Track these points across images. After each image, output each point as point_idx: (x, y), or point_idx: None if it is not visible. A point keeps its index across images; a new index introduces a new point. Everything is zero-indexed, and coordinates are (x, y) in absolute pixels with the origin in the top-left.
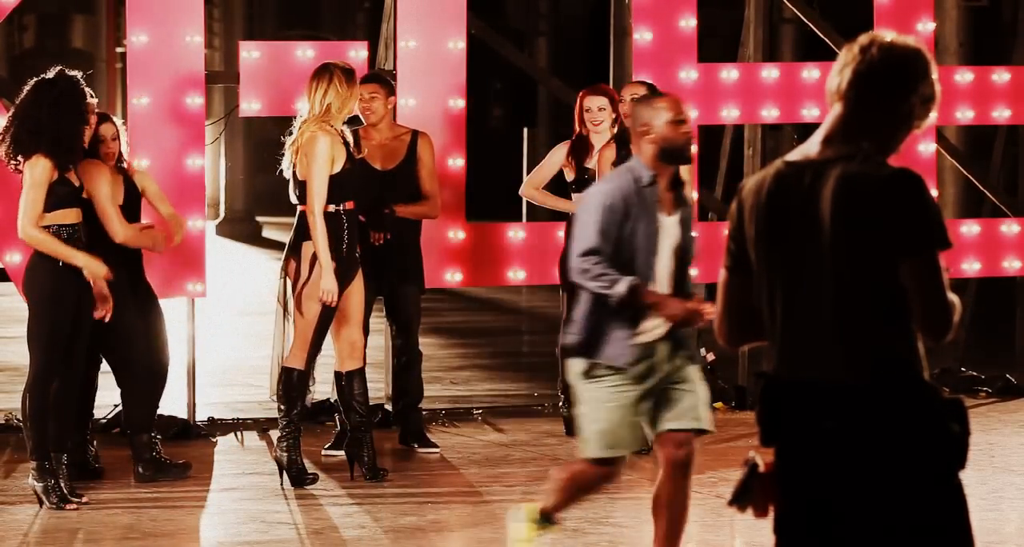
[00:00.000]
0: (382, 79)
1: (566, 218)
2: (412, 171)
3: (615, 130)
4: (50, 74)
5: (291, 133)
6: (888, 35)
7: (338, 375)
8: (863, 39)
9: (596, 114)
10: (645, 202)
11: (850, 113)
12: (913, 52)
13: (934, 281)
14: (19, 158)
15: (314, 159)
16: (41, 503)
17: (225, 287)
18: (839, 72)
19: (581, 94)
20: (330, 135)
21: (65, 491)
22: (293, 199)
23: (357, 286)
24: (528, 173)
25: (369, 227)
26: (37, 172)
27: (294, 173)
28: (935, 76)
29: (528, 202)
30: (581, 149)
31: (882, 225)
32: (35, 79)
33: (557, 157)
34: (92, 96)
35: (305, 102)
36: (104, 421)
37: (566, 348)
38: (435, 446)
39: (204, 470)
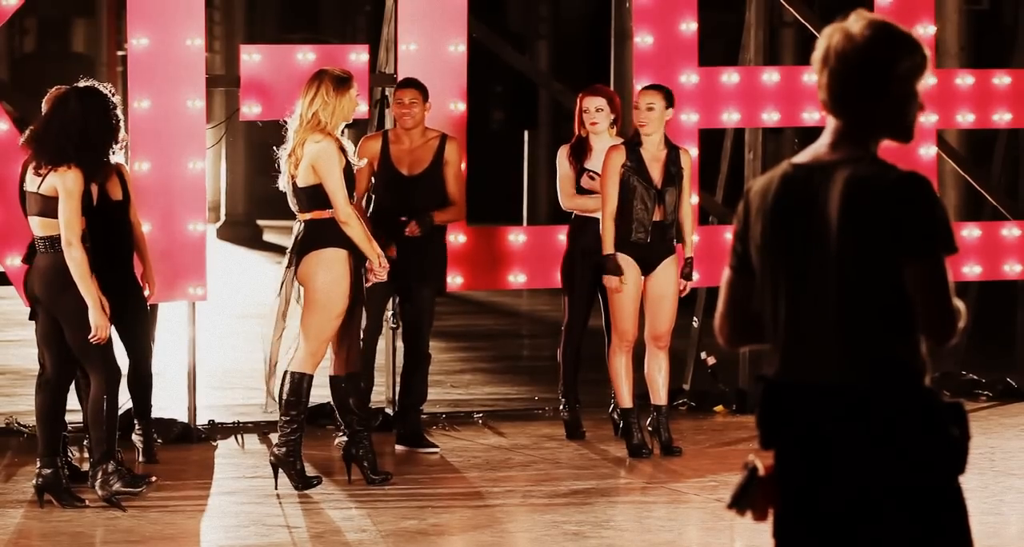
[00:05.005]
0: (420, 85)
1: (568, 221)
2: (439, 176)
3: (614, 131)
4: (82, 84)
5: (284, 143)
6: (839, 32)
7: (335, 379)
8: (820, 46)
9: (593, 115)
10: None
11: (847, 118)
12: (870, 39)
13: (939, 285)
14: (48, 165)
15: (324, 166)
16: (42, 504)
17: (226, 290)
18: (818, 85)
19: (580, 95)
20: (333, 140)
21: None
22: (294, 208)
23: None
24: (528, 176)
25: (408, 225)
26: (71, 183)
27: (294, 183)
28: (911, 46)
29: (528, 205)
30: (580, 151)
31: (889, 228)
32: (70, 87)
33: (563, 161)
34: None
35: (298, 107)
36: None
37: None
38: (435, 446)
39: (205, 473)
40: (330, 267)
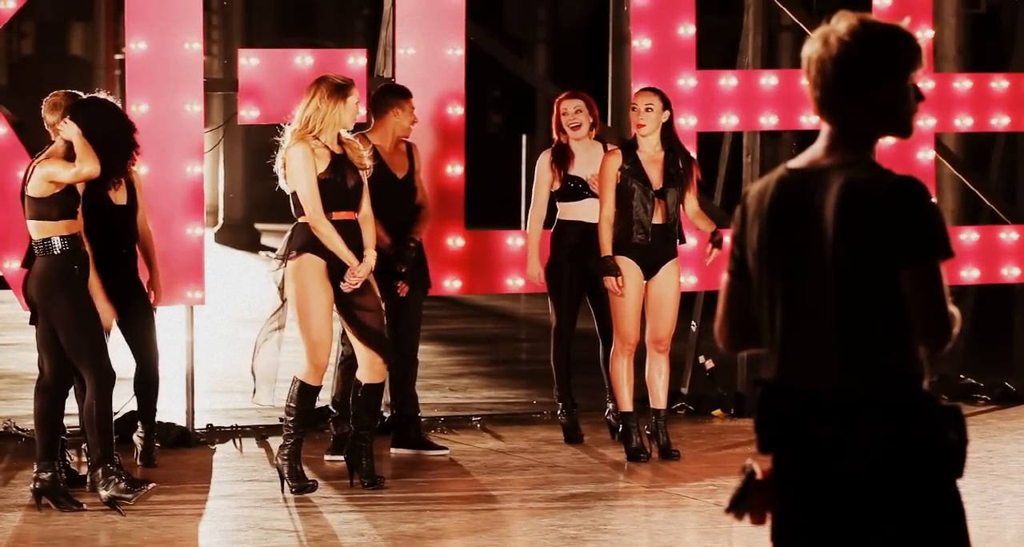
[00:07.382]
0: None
1: (563, 226)
2: (415, 180)
3: (592, 135)
4: (103, 95)
5: (280, 146)
6: (819, 40)
7: (360, 384)
8: (804, 56)
9: (573, 117)
10: None
11: (838, 124)
12: (848, 45)
13: (934, 291)
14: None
15: (292, 171)
16: (40, 508)
17: (224, 294)
18: (808, 94)
19: (557, 100)
20: (303, 145)
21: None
22: (293, 211)
23: (375, 296)
24: (526, 179)
25: (394, 261)
26: (56, 164)
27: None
28: (893, 44)
29: (526, 209)
30: (563, 157)
31: (884, 233)
32: (93, 96)
33: (543, 171)
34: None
35: (297, 112)
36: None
37: None
38: (444, 448)
39: (203, 477)
40: (296, 271)
